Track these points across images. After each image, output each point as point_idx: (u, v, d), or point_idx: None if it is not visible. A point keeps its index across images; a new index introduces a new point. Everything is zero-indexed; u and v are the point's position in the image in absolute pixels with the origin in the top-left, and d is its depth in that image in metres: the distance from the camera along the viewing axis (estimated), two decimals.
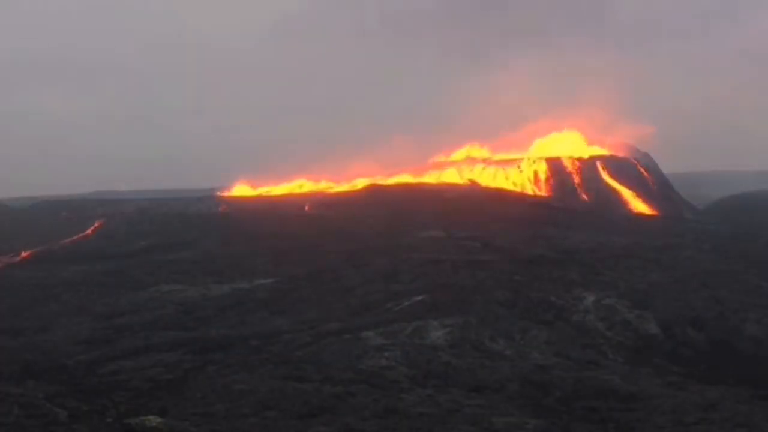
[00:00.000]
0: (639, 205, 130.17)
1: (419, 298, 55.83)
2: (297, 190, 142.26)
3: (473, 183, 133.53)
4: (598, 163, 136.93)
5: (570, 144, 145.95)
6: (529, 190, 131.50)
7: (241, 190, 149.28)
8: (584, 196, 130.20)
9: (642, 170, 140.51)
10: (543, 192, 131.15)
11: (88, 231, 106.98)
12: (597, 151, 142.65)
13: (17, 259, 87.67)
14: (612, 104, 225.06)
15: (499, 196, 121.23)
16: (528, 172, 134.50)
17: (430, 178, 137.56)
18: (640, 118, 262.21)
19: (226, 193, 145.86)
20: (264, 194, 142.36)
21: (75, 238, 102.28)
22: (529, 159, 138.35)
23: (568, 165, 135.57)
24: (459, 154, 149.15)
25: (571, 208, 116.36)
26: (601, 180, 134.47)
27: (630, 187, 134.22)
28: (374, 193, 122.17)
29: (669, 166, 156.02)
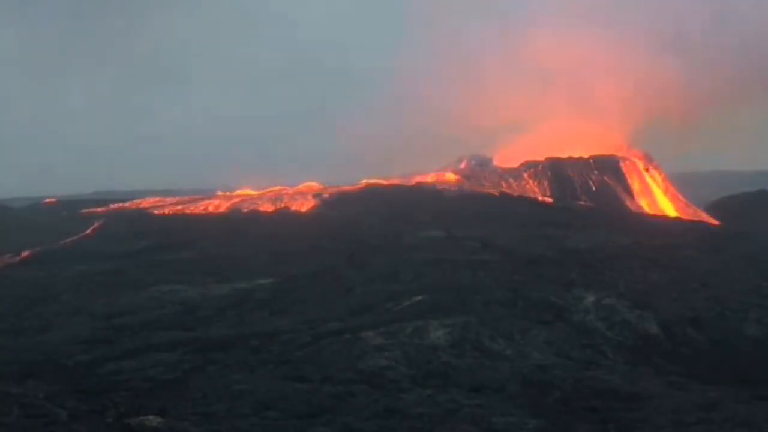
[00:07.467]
0: (639, 205, 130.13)
1: (419, 298, 55.83)
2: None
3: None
4: (599, 163, 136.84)
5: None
6: (529, 190, 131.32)
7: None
8: (584, 196, 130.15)
9: (642, 170, 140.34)
10: (543, 192, 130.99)
11: (88, 231, 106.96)
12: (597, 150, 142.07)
13: (17, 259, 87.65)
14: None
15: (498, 196, 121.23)
16: (528, 173, 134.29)
17: (431, 178, 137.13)
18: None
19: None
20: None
21: (75, 238, 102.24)
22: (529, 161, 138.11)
23: (568, 165, 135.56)
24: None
25: (571, 208, 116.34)
26: (601, 180, 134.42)
27: (629, 187, 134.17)
28: (374, 193, 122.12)
29: (669, 166, 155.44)
